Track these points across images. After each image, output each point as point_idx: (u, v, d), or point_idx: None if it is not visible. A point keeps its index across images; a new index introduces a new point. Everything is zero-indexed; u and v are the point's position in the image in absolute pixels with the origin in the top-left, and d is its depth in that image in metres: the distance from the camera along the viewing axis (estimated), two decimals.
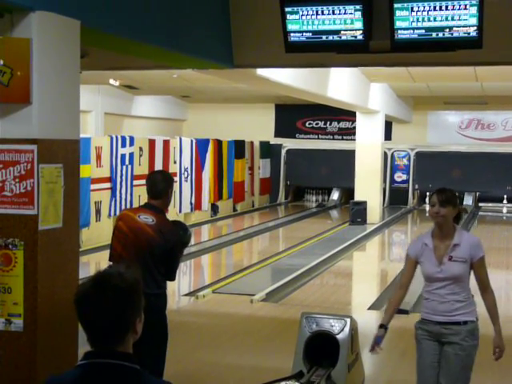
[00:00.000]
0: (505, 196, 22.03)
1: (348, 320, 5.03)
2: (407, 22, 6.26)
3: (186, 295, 9.63)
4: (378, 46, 6.54)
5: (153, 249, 4.91)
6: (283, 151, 23.18)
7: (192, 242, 14.77)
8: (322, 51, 6.74)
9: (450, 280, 4.49)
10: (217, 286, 10.21)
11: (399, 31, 6.32)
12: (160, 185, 5.08)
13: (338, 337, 4.96)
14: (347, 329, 4.97)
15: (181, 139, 17.40)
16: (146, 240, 4.91)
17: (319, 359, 5.15)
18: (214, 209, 19.15)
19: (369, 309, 9.07)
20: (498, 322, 4.51)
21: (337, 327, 5.00)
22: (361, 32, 6.48)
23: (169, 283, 5.16)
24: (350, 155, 18.82)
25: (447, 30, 6.22)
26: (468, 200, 21.78)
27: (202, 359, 6.91)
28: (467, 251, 4.46)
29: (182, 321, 8.18)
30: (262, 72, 8.98)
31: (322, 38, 6.57)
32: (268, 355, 7.04)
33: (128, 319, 2.19)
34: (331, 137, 23.15)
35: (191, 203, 17.57)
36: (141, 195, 15.31)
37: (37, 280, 4.34)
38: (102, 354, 2.19)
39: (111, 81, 15.65)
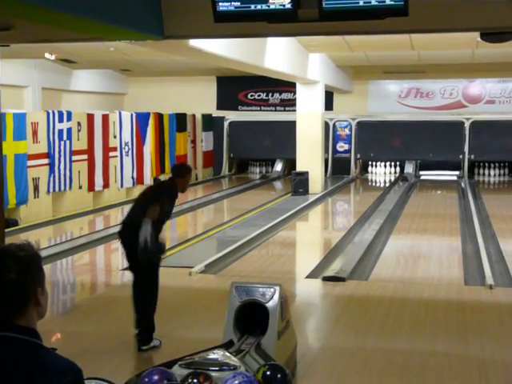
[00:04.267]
0: (444, 163, 22.38)
1: (277, 288, 5.07)
2: None
3: (125, 269, 9.56)
4: (306, 14, 6.53)
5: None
6: (226, 123, 23.13)
7: None
8: (251, 20, 6.68)
9: None
10: None
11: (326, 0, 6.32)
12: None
13: (267, 305, 5.00)
14: (276, 297, 5.01)
15: (120, 113, 17.19)
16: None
17: (251, 328, 5.20)
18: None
19: (307, 277, 9.16)
20: None
21: (266, 295, 5.04)
22: (289, 1, 6.46)
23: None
24: (292, 126, 18.82)
25: None
26: (409, 168, 22.10)
27: None
28: None
29: (122, 295, 8.14)
30: (194, 43, 8.89)
31: (250, 7, 6.52)
32: (204, 326, 7.08)
33: (27, 289, 2.17)
34: (273, 108, 23.18)
35: (133, 178, 17.44)
36: (80, 171, 15.15)
37: None
38: (1, 326, 2.17)
39: (47, 55, 15.35)
